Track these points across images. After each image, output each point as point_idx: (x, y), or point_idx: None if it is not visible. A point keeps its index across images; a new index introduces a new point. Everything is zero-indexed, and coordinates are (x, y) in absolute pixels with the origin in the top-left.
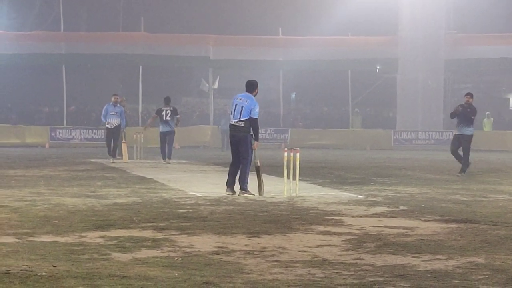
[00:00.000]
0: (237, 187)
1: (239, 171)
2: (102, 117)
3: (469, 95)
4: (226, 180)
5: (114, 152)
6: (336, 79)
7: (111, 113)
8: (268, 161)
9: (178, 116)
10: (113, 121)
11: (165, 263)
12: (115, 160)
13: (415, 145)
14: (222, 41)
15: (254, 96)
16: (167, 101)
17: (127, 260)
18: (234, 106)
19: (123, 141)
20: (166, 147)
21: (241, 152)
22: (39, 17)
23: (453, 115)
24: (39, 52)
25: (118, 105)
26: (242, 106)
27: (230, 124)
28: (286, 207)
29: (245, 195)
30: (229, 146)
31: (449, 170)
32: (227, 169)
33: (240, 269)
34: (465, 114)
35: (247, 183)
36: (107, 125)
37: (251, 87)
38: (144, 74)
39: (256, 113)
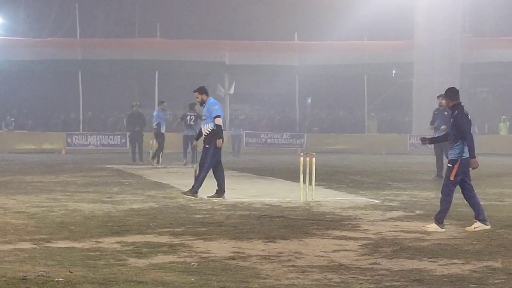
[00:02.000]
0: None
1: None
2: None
3: (441, 96)
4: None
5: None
6: (352, 83)
7: (163, 119)
8: (284, 166)
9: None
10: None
11: (181, 268)
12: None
13: (431, 150)
14: (238, 46)
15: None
16: (191, 106)
17: (144, 265)
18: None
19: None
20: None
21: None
22: (56, 24)
23: (431, 122)
24: (55, 59)
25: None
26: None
27: None
28: (302, 212)
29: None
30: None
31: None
32: (243, 174)
33: (257, 274)
34: (444, 121)
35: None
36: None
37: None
38: (160, 80)
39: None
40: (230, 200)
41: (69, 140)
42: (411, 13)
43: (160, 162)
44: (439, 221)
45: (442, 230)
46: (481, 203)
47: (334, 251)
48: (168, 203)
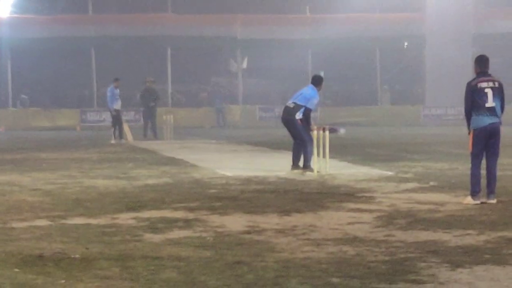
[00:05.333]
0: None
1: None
2: (109, 101)
3: None
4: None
5: (122, 133)
6: (364, 56)
7: (117, 97)
8: None
9: None
10: (119, 104)
11: (197, 243)
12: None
13: (444, 121)
14: (250, 20)
15: (318, 90)
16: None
17: (159, 241)
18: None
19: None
20: None
21: (292, 134)
22: (68, 0)
23: None
24: (68, 36)
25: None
26: (301, 93)
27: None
28: (316, 185)
29: (307, 172)
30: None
31: None
32: (257, 148)
33: (272, 248)
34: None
35: (309, 161)
36: (117, 108)
37: (317, 81)
38: (172, 55)
39: (312, 104)
40: (244, 174)
41: (83, 117)
42: None
43: (122, 138)
44: (471, 194)
45: (475, 202)
46: (496, 174)
47: (349, 223)
48: (183, 178)
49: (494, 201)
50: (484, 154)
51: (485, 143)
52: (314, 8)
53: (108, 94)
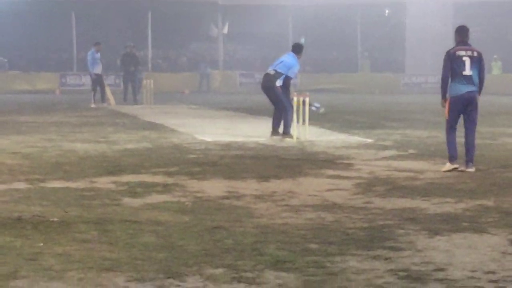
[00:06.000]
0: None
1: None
2: (89, 65)
3: None
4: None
5: (104, 97)
6: (345, 23)
7: (98, 61)
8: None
9: None
10: (100, 68)
11: (175, 208)
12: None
13: (424, 89)
14: None
15: (298, 58)
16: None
17: (138, 205)
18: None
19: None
20: None
21: (272, 101)
22: None
23: None
24: None
25: (99, 53)
26: (282, 61)
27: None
28: (295, 151)
29: (287, 139)
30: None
31: None
32: (237, 114)
33: (250, 213)
34: None
35: (289, 127)
36: (98, 72)
37: (298, 49)
38: (153, 20)
39: (293, 73)
40: (224, 140)
41: (63, 80)
42: None
43: (104, 102)
44: (449, 159)
45: (453, 166)
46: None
47: (328, 190)
48: (162, 143)
49: (472, 169)
50: (463, 123)
51: (462, 111)
52: None
53: (89, 58)
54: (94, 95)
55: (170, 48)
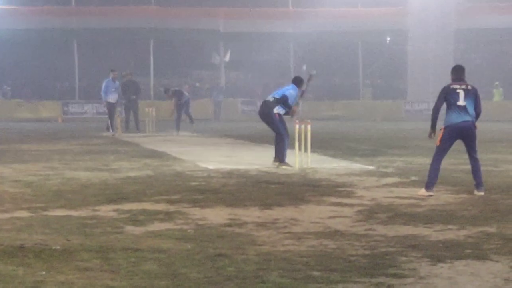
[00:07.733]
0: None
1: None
2: (103, 93)
3: None
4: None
5: (113, 126)
6: (346, 50)
7: (112, 90)
8: None
9: None
10: (115, 97)
11: (178, 235)
12: (115, 134)
13: (426, 116)
14: (232, 14)
15: (298, 89)
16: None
17: (140, 233)
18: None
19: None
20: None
21: (270, 127)
22: None
23: None
24: (51, 27)
25: (116, 81)
26: (283, 90)
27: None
28: (298, 178)
29: (283, 167)
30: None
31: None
32: (239, 141)
33: (253, 241)
34: None
35: (284, 155)
36: (110, 101)
37: (298, 82)
38: (155, 48)
39: (290, 94)
40: (226, 167)
41: (65, 109)
42: None
43: (112, 130)
44: (426, 186)
45: (429, 193)
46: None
47: (330, 217)
48: (164, 171)
49: (482, 193)
50: (466, 150)
51: (454, 141)
52: (297, 2)
53: (103, 85)
54: (111, 123)
55: (172, 76)
